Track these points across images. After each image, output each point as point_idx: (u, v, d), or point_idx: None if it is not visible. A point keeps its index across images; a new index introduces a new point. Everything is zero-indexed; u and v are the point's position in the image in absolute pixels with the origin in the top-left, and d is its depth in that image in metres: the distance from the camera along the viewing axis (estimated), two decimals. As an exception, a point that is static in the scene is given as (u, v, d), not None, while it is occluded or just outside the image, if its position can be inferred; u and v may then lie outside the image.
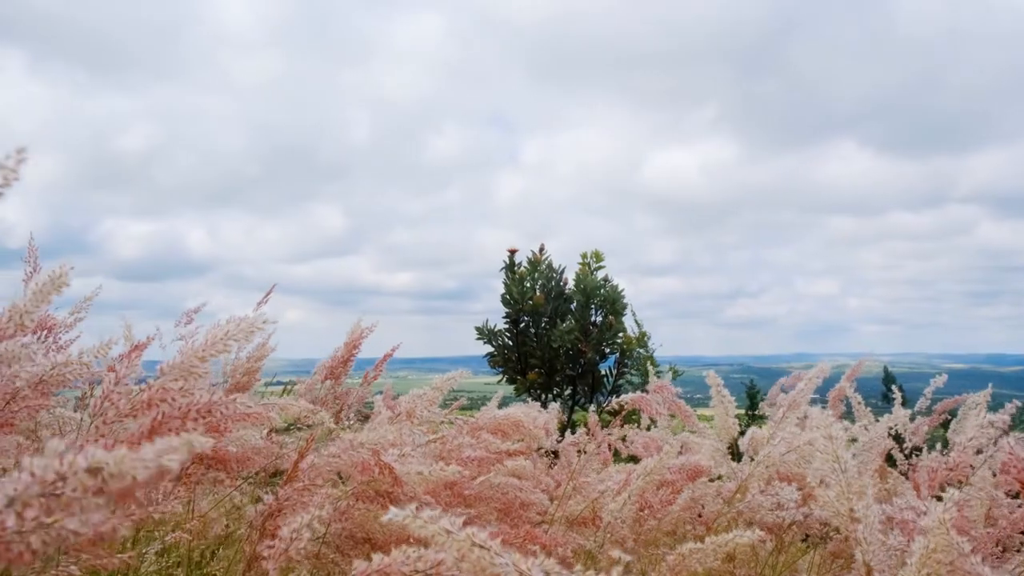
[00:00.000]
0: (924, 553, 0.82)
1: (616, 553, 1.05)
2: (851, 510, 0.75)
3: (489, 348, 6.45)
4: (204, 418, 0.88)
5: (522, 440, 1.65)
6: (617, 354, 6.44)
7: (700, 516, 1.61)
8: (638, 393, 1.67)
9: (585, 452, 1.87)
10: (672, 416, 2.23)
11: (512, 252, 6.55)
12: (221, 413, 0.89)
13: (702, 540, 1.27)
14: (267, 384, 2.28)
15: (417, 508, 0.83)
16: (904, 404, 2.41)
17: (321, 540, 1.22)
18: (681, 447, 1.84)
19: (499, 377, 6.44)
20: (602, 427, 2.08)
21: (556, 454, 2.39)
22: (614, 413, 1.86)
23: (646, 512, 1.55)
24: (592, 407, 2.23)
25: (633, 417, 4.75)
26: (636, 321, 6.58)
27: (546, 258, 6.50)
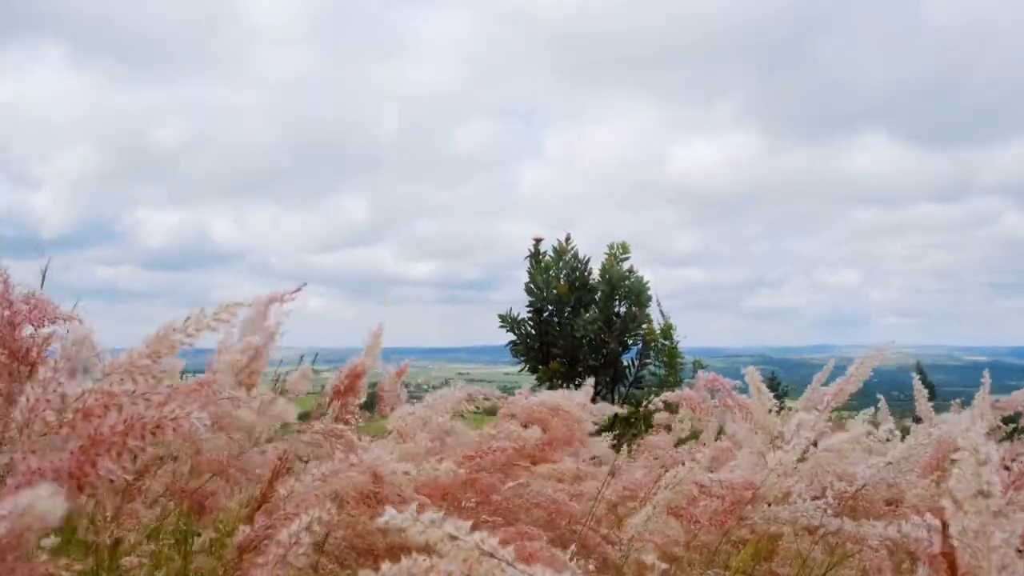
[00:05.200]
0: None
1: (649, 558, 0.96)
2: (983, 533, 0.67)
3: (511, 336, 6.39)
4: (153, 435, 0.73)
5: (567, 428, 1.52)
6: (639, 345, 6.35)
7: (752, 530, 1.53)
8: (685, 390, 1.55)
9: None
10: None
11: (537, 241, 6.45)
12: (174, 430, 0.74)
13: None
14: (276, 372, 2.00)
15: (418, 509, 0.73)
16: (933, 398, 2.29)
17: (320, 549, 1.13)
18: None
19: (520, 366, 6.38)
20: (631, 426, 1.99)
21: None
22: (636, 417, 1.78)
23: (694, 526, 1.44)
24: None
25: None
26: (662, 312, 6.47)
27: (571, 248, 6.41)
